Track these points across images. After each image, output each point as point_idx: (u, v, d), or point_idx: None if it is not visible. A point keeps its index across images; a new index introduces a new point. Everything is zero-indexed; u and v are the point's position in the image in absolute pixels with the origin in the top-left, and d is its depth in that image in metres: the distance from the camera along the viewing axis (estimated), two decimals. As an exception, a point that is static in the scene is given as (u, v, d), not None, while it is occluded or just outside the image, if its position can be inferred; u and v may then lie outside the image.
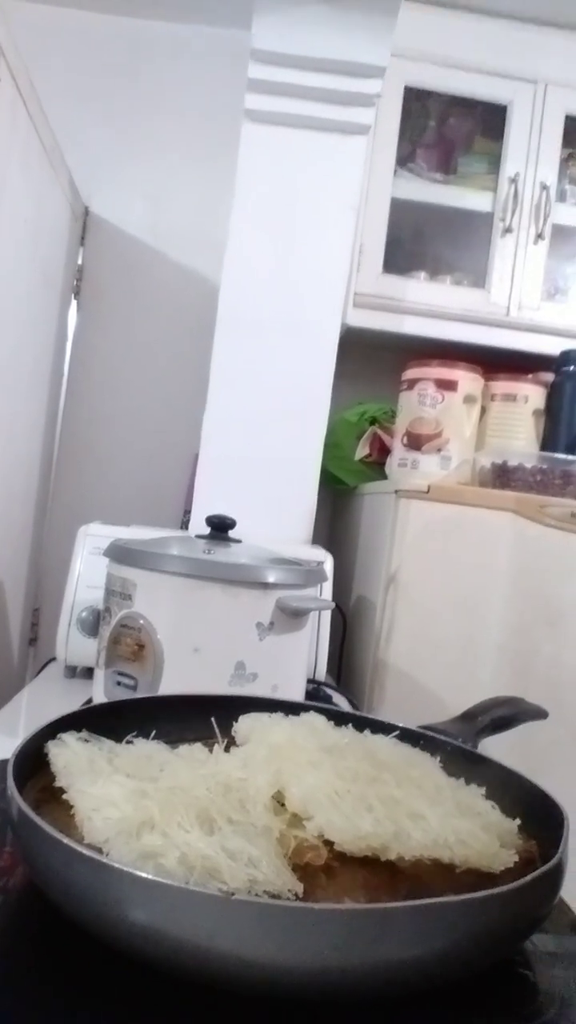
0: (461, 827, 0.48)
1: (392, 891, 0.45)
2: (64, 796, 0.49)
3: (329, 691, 1.18)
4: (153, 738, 0.58)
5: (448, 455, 1.53)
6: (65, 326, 1.98)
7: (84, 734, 0.56)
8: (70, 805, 0.49)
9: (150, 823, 0.44)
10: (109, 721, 0.59)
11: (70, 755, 0.53)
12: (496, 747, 0.68)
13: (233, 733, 0.61)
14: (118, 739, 0.57)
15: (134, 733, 0.58)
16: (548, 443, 1.59)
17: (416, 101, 1.77)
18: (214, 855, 0.41)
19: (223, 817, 0.46)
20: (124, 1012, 0.39)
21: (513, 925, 0.42)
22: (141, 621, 0.82)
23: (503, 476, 1.47)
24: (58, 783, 0.50)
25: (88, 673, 1.12)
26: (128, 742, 0.57)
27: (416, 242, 1.84)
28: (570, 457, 1.49)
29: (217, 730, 0.59)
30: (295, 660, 0.91)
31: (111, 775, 0.50)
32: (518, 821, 0.52)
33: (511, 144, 1.73)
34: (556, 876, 0.44)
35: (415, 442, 1.54)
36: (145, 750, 0.56)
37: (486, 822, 0.50)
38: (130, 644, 0.83)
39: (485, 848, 0.47)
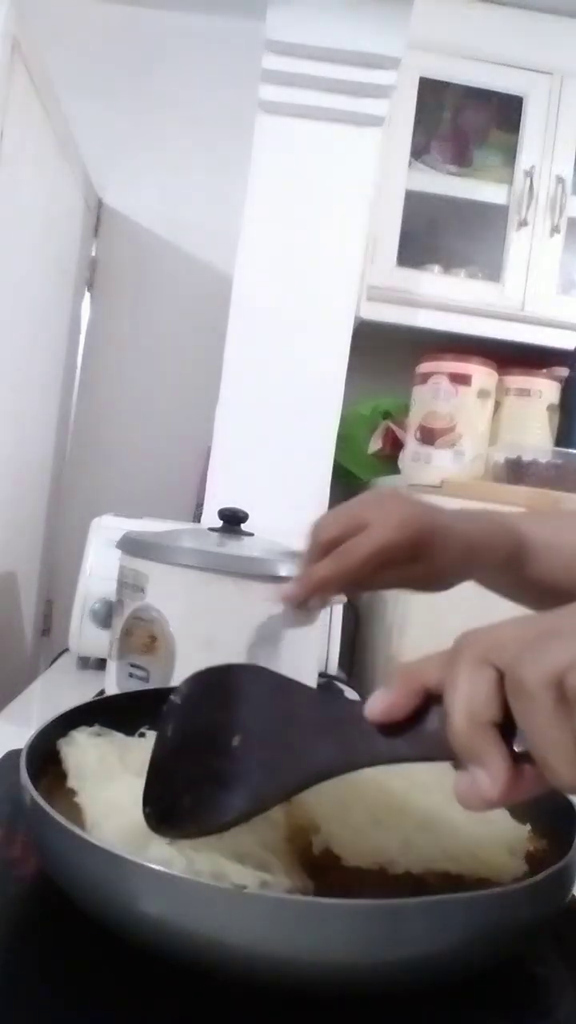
0: (469, 839, 0.47)
1: (406, 886, 0.45)
2: (76, 799, 0.49)
3: (340, 685, 1.18)
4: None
5: (462, 450, 1.52)
6: (78, 318, 1.98)
7: (96, 728, 0.56)
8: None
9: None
10: (121, 712, 0.59)
11: (80, 754, 0.53)
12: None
13: None
14: (130, 731, 0.57)
15: (146, 726, 0.58)
16: (562, 438, 1.58)
17: (431, 92, 1.76)
18: (222, 860, 0.41)
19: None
20: (133, 1003, 0.39)
21: (524, 922, 0.42)
22: (153, 613, 0.82)
23: (517, 471, 1.47)
24: (70, 784, 0.50)
25: (100, 664, 1.13)
26: (140, 735, 0.57)
27: (430, 235, 1.84)
28: (584, 452, 1.49)
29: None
30: (307, 654, 0.90)
31: (121, 776, 0.50)
32: (528, 827, 0.51)
33: (527, 136, 1.72)
34: (568, 874, 0.43)
35: (428, 436, 1.54)
36: (158, 744, 0.56)
37: (495, 830, 0.50)
38: (142, 636, 0.83)
39: (493, 860, 0.47)
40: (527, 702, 0.31)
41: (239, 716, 0.46)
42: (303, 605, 0.63)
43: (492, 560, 0.65)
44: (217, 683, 0.49)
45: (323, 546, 0.62)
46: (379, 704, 0.37)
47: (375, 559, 0.59)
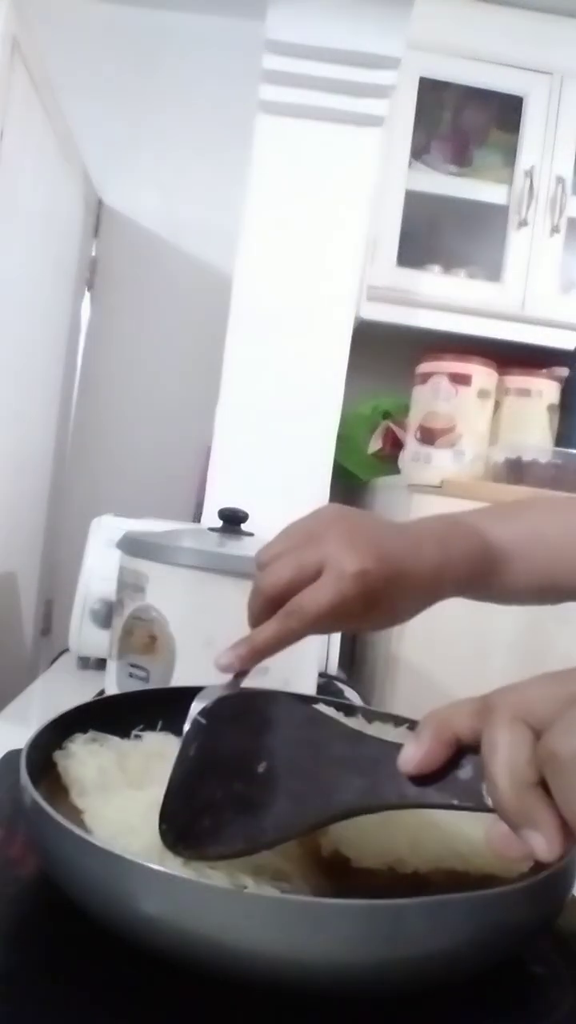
0: (474, 836, 0.47)
1: (415, 885, 0.45)
2: (81, 818, 0.49)
3: (340, 685, 1.18)
4: (160, 729, 0.58)
5: (461, 450, 1.52)
6: (78, 318, 1.98)
7: (91, 735, 0.56)
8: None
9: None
10: (121, 713, 0.59)
11: (78, 766, 0.52)
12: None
13: None
14: (130, 732, 0.57)
15: (141, 726, 0.58)
16: (563, 438, 1.58)
17: (431, 93, 1.76)
18: (240, 875, 0.41)
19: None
20: (133, 1003, 0.39)
21: (526, 922, 0.42)
22: (153, 613, 0.83)
23: (517, 471, 1.47)
24: (73, 801, 0.50)
25: (100, 664, 1.13)
26: (136, 736, 0.57)
27: (430, 235, 1.84)
28: (584, 452, 1.49)
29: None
30: (307, 654, 0.90)
31: (123, 789, 0.50)
32: None
33: (527, 136, 1.72)
34: (569, 873, 0.43)
35: (428, 436, 1.54)
36: (155, 747, 0.55)
37: None
38: (142, 636, 0.83)
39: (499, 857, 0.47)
40: (560, 776, 0.31)
41: (266, 743, 0.45)
42: (245, 674, 0.53)
43: (454, 589, 0.60)
44: (245, 708, 0.48)
45: (269, 601, 0.54)
46: (412, 757, 0.37)
47: (327, 618, 0.52)
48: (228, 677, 0.53)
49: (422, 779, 0.38)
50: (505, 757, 0.33)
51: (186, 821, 0.43)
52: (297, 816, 0.42)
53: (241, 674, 0.54)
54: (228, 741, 0.47)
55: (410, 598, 0.58)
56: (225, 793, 0.44)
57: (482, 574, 0.62)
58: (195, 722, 0.47)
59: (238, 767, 0.45)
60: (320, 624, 0.53)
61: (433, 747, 0.37)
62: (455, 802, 0.37)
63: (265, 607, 0.55)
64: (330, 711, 0.63)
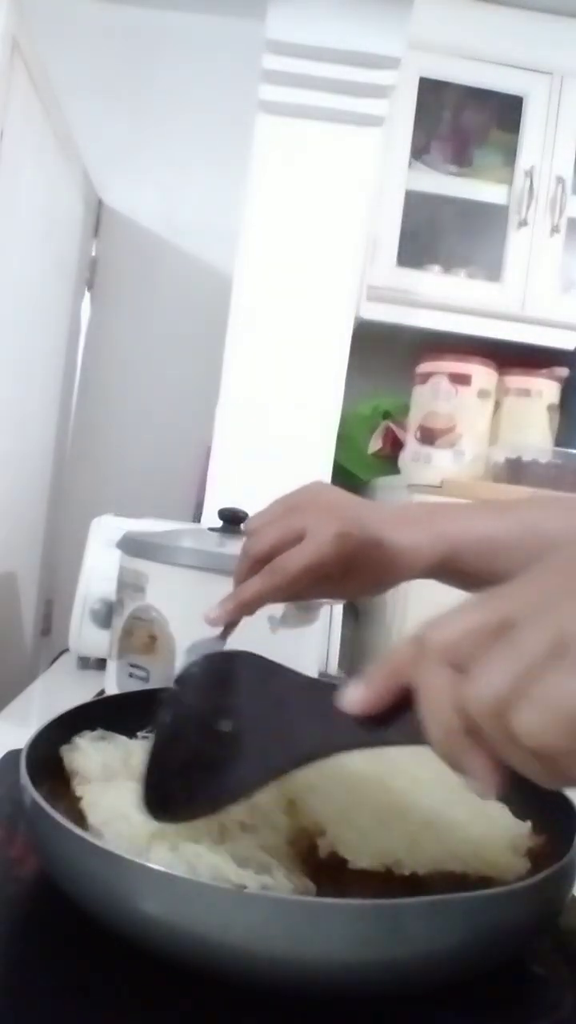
0: (473, 838, 0.47)
1: (412, 887, 0.45)
2: (79, 806, 0.49)
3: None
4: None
5: (461, 450, 1.52)
6: (78, 318, 1.98)
7: (99, 732, 0.56)
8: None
9: (160, 834, 0.44)
10: (122, 712, 0.59)
11: (82, 759, 0.53)
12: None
13: None
14: (131, 731, 0.57)
15: (148, 728, 0.58)
16: (562, 438, 1.58)
17: (431, 93, 1.76)
18: (223, 865, 0.41)
19: (235, 823, 0.45)
20: (133, 1003, 0.39)
21: (526, 922, 0.42)
22: (153, 613, 0.83)
23: (517, 471, 1.47)
24: (73, 790, 0.50)
25: (100, 664, 1.13)
26: (144, 737, 0.57)
27: (430, 235, 1.83)
28: (584, 452, 1.49)
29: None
30: (307, 654, 0.90)
31: (124, 782, 0.50)
32: (529, 823, 0.51)
33: (527, 136, 1.72)
34: (568, 873, 0.43)
35: (428, 436, 1.54)
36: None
37: (497, 829, 0.50)
38: (142, 636, 0.83)
39: (497, 858, 0.47)
40: (480, 724, 0.31)
41: (231, 702, 0.48)
42: (232, 627, 0.59)
43: (435, 568, 0.62)
44: (214, 670, 0.51)
45: (255, 561, 0.59)
46: (354, 698, 0.38)
47: (307, 576, 0.56)
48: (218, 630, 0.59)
49: (376, 722, 0.38)
50: (429, 706, 0.33)
51: (164, 788, 0.45)
52: (259, 769, 0.43)
53: (229, 627, 0.59)
54: (197, 704, 0.49)
55: (386, 569, 0.61)
56: (195, 755, 0.46)
57: (463, 557, 0.62)
58: (168, 690, 0.50)
59: (206, 728, 0.47)
60: (301, 582, 0.57)
61: (375, 692, 0.37)
62: (411, 740, 0.37)
63: (251, 568, 0.59)
64: None
